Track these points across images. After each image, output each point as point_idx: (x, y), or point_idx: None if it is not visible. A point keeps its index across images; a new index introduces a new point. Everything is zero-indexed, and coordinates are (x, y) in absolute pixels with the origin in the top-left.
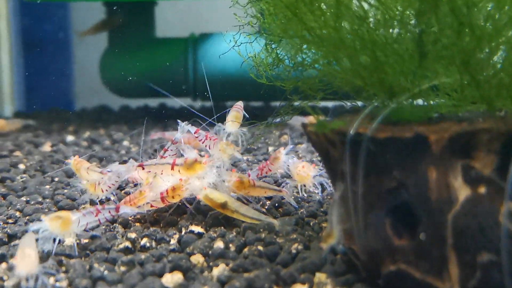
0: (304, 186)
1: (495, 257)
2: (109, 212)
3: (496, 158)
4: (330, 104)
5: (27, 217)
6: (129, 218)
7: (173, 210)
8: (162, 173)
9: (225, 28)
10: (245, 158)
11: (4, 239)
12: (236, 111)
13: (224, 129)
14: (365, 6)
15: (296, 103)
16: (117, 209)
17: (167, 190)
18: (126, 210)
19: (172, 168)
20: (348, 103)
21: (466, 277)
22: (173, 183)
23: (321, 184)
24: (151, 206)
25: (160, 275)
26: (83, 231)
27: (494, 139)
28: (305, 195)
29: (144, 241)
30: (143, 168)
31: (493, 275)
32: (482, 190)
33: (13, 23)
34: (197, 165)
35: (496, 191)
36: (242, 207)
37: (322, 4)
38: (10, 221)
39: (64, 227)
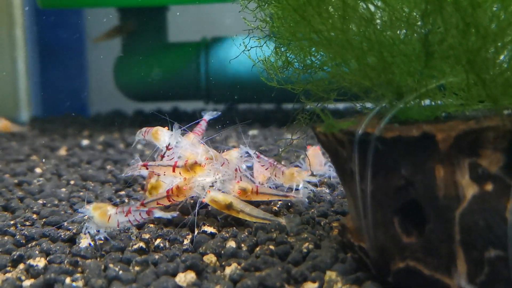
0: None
1: (502, 253)
2: (140, 214)
3: (502, 156)
4: (340, 105)
5: (44, 219)
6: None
7: (186, 212)
8: (164, 175)
9: (236, 32)
10: None
11: (21, 241)
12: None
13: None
14: (372, 8)
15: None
16: (149, 213)
17: (172, 189)
18: (159, 214)
19: (174, 171)
20: (358, 105)
21: (474, 273)
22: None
23: (331, 184)
24: (157, 203)
25: (174, 274)
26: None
27: (501, 137)
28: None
29: (158, 241)
30: (147, 168)
31: (500, 271)
32: (489, 187)
33: (28, 29)
34: (197, 167)
35: (503, 188)
36: (247, 207)
37: (330, 7)
38: (27, 223)
39: (102, 217)
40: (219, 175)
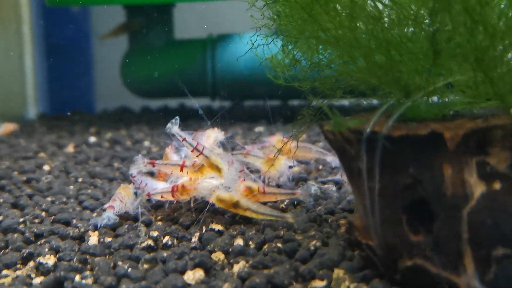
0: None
1: (510, 251)
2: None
3: (510, 154)
4: (346, 103)
5: (53, 217)
6: (152, 217)
7: (194, 209)
8: (171, 173)
9: (243, 29)
10: None
11: (31, 238)
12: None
13: None
14: (380, 6)
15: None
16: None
17: (177, 186)
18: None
19: (181, 170)
20: (365, 102)
21: (481, 271)
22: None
23: (338, 182)
24: (162, 196)
25: (182, 272)
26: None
27: (509, 135)
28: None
29: (166, 239)
30: (154, 166)
31: (508, 269)
32: (497, 185)
33: (35, 27)
34: (205, 168)
35: (511, 186)
36: (254, 204)
37: (337, 5)
38: (36, 220)
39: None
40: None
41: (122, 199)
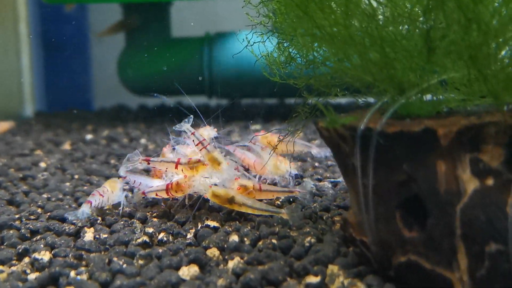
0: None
1: (503, 247)
2: None
3: (503, 151)
4: (342, 100)
5: (48, 213)
6: (147, 214)
7: (189, 206)
8: (166, 171)
9: (239, 27)
10: None
11: (26, 235)
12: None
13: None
14: (374, 3)
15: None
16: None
17: (172, 184)
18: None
19: (176, 167)
20: (361, 100)
21: (474, 267)
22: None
23: (333, 179)
24: (156, 194)
25: (177, 268)
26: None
27: (502, 132)
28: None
29: (161, 235)
30: (149, 163)
31: (501, 265)
32: (490, 182)
33: (32, 25)
34: (200, 165)
35: (504, 183)
36: (249, 200)
37: (332, 2)
38: (32, 217)
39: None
40: (219, 178)
41: (103, 194)
